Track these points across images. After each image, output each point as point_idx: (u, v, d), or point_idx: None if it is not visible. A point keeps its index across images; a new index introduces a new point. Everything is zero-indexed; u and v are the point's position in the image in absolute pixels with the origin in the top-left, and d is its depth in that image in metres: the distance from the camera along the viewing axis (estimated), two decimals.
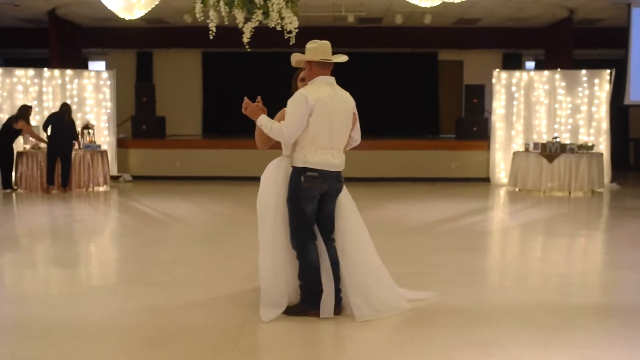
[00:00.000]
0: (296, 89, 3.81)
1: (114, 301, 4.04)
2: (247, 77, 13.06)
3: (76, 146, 9.97)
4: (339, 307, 3.62)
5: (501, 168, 11.02)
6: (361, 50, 12.94)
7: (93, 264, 5.39)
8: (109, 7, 6.99)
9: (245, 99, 3.71)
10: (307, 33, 4.87)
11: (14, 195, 9.41)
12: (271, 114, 3.70)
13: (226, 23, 4.93)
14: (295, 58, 3.70)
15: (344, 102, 3.68)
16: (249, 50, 4.95)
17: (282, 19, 4.74)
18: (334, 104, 3.60)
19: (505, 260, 5.62)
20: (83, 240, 6.32)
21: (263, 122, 3.64)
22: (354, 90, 3.80)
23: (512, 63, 13.87)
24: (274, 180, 3.70)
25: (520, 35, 13.42)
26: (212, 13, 4.84)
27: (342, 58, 3.67)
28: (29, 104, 10.02)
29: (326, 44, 3.64)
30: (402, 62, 14.43)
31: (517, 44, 13.83)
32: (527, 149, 10.19)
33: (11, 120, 9.63)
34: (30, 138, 9.83)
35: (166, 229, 6.78)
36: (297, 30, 4.86)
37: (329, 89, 3.63)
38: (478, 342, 3.24)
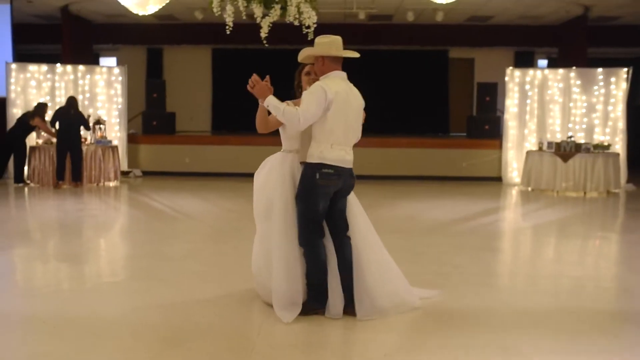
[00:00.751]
0: (300, 82, 3.76)
1: (127, 298, 4.00)
2: (256, 74, 13.00)
3: (87, 140, 9.97)
4: (352, 307, 3.55)
5: (514, 167, 10.91)
6: (371, 48, 12.85)
7: (105, 259, 5.36)
8: (123, 3, 6.96)
9: (254, 75, 3.50)
10: (317, 30, 4.80)
11: (26, 189, 9.44)
12: None
13: (244, 18, 4.87)
14: (306, 53, 3.62)
15: (357, 99, 3.64)
16: (266, 45, 4.89)
17: (300, 13, 4.66)
18: (349, 99, 3.56)
19: (524, 262, 5.51)
20: (94, 235, 6.30)
21: (272, 102, 3.47)
22: (363, 88, 3.74)
23: (524, 61, 13.73)
24: (280, 177, 3.62)
25: (533, 33, 13.25)
26: (229, 8, 4.77)
27: (355, 54, 3.63)
28: (45, 102, 10.07)
29: (338, 39, 3.59)
30: (412, 59, 14.34)
31: (529, 42, 13.67)
32: (540, 148, 10.06)
33: (27, 116, 9.72)
34: (43, 133, 9.87)
35: (177, 225, 6.75)
36: (315, 26, 4.78)
37: (344, 84, 3.59)
38: (497, 346, 3.17)
